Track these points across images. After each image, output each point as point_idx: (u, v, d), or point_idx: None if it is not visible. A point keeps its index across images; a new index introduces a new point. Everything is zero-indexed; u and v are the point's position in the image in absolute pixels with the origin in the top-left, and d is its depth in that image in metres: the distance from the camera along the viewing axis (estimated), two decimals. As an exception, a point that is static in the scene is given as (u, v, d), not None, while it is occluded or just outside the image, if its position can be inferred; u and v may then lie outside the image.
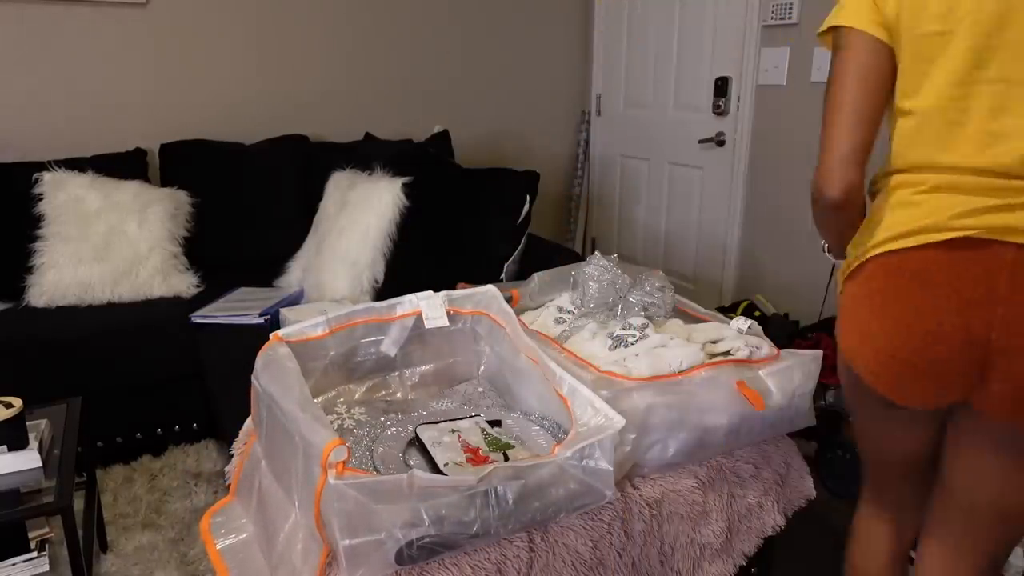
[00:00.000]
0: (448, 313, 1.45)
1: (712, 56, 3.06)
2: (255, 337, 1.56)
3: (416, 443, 1.28)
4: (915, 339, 1.08)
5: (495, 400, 1.48)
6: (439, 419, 1.35)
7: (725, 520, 1.36)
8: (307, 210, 2.80)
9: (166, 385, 2.37)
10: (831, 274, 2.70)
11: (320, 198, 2.67)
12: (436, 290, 1.46)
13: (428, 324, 1.43)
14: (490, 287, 1.50)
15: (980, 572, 1.25)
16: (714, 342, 1.44)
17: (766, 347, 1.42)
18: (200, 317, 2.36)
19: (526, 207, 2.54)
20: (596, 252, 1.61)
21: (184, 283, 2.56)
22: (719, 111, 3.04)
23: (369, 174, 2.55)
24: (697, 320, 1.59)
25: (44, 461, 1.61)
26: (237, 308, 2.39)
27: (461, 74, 3.51)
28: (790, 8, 2.68)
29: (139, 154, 2.76)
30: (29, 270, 2.41)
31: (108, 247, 2.44)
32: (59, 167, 2.52)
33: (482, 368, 1.55)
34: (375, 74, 3.31)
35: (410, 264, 2.41)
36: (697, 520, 1.32)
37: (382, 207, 2.39)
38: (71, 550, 1.53)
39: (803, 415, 1.41)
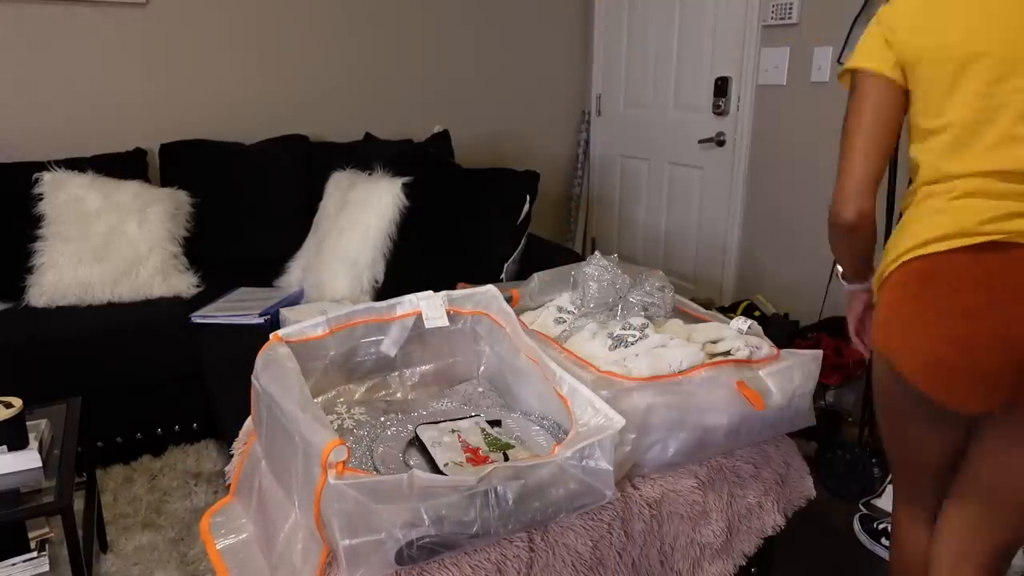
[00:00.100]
0: (448, 313, 1.45)
1: (712, 56, 3.06)
2: (255, 337, 1.56)
3: (416, 443, 1.28)
4: (955, 344, 1.11)
5: (495, 400, 1.48)
6: (439, 419, 1.35)
7: (725, 520, 1.36)
8: (307, 210, 2.80)
9: (166, 385, 2.37)
10: (831, 274, 2.70)
11: (320, 198, 2.67)
12: (436, 290, 1.46)
13: (428, 324, 1.43)
14: (490, 287, 1.50)
15: (994, 554, 1.28)
16: (714, 342, 1.44)
17: (766, 347, 1.42)
18: (200, 317, 2.36)
19: (526, 207, 2.54)
20: (596, 252, 1.61)
21: (184, 283, 2.56)
22: (719, 111, 3.04)
23: (369, 174, 2.55)
24: (697, 320, 1.59)
25: (44, 461, 1.61)
26: (237, 308, 2.39)
27: (461, 74, 3.51)
28: (790, 8, 2.68)
29: (139, 154, 2.76)
30: (29, 270, 2.41)
31: (108, 247, 2.44)
32: (59, 167, 2.51)
33: (482, 368, 1.55)
34: (375, 74, 3.31)
35: (410, 264, 2.41)
36: (697, 520, 1.32)
37: (382, 207, 2.38)
38: (71, 550, 1.53)
39: (803, 415, 1.41)
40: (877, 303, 1.24)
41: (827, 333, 2.57)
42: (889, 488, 2.18)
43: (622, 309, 1.50)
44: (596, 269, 1.54)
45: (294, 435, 1.07)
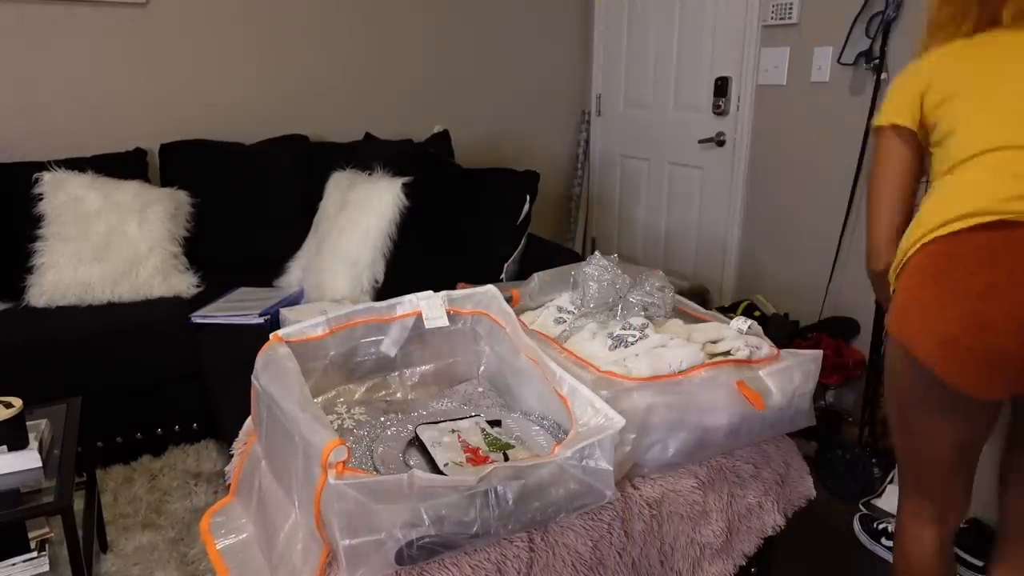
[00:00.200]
0: (448, 313, 1.45)
1: (712, 56, 3.06)
2: (255, 337, 1.56)
3: (416, 443, 1.28)
4: (971, 324, 1.12)
5: (495, 400, 1.48)
6: (439, 419, 1.35)
7: (725, 520, 1.36)
8: (307, 210, 2.80)
9: (166, 385, 2.37)
10: (831, 274, 2.70)
11: (320, 198, 2.67)
12: (436, 290, 1.46)
13: (428, 324, 1.43)
14: (490, 287, 1.50)
15: None
16: (714, 342, 1.44)
17: (766, 347, 1.42)
18: (200, 317, 2.36)
19: (526, 207, 2.54)
20: (596, 252, 1.61)
21: (184, 283, 2.56)
22: (719, 111, 3.04)
23: (369, 174, 2.55)
24: (697, 320, 1.59)
25: (44, 461, 1.61)
26: (237, 308, 2.39)
27: (461, 74, 3.51)
28: (790, 8, 2.68)
29: (139, 154, 2.76)
30: (29, 270, 2.41)
31: (108, 247, 2.44)
32: (59, 167, 2.52)
33: (482, 368, 1.55)
34: (375, 74, 3.31)
35: (410, 264, 2.41)
36: (697, 520, 1.32)
37: (382, 207, 2.39)
38: (71, 550, 1.53)
39: (803, 415, 1.41)
40: (895, 290, 1.26)
41: (827, 333, 2.57)
42: (889, 488, 2.18)
43: (622, 309, 1.51)
44: (596, 269, 1.54)
45: (294, 435, 1.07)
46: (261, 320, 2.31)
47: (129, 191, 2.53)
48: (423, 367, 1.51)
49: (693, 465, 1.34)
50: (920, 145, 1.32)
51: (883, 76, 2.41)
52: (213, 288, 2.59)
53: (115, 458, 2.36)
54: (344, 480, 0.96)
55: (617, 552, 1.23)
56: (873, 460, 2.22)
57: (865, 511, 2.14)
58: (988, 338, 1.11)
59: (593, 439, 1.10)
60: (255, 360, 1.25)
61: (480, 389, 1.51)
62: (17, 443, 1.58)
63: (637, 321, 1.44)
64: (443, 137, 3.08)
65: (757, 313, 2.81)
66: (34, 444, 1.61)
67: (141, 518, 2.09)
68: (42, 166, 2.51)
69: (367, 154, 2.70)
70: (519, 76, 3.66)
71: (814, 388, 1.40)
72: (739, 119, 2.98)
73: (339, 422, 1.35)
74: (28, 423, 1.69)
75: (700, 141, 3.15)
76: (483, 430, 1.30)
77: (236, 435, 1.50)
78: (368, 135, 3.09)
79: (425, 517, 0.99)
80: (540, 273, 1.64)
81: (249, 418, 1.48)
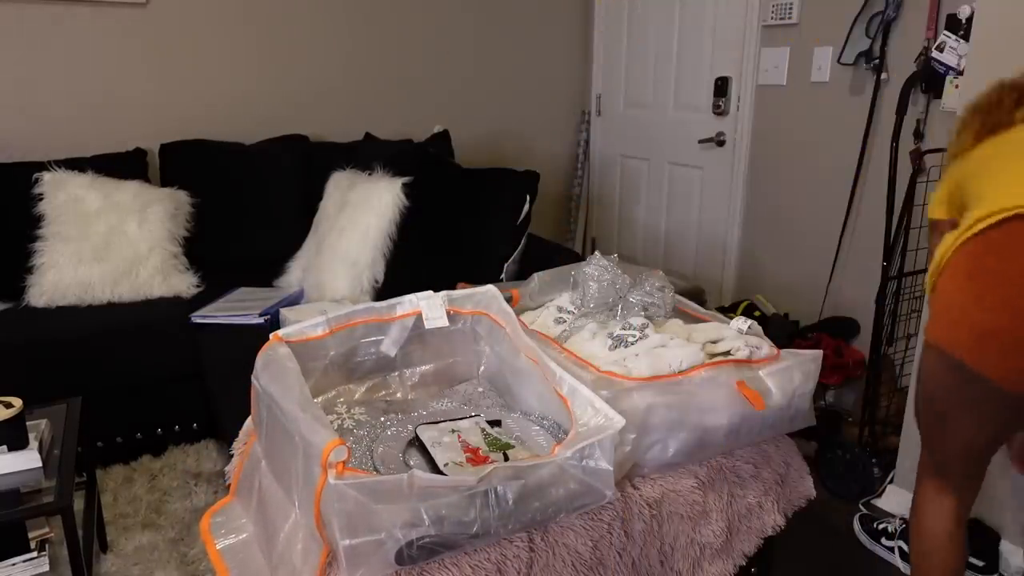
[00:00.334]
0: (448, 313, 1.45)
1: (712, 56, 3.06)
2: (255, 337, 1.56)
3: (416, 443, 1.28)
4: (1007, 312, 1.15)
5: (495, 400, 1.48)
6: (439, 419, 1.35)
7: (725, 520, 1.36)
8: (307, 210, 2.80)
9: (166, 385, 2.37)
10: (831, 274, 2.70)
11: (320, 198, 2.67)
12: (436, 290, 1.46)
13: (428, 324, 1.43)
14: (490, 287, 1.50)
15: None
16: (714, 342, 1.44)
17: (766, 347, 1.42)
18: (200, 317, 2.36)
19: (526, 207, 2.54)
20: (596, 252, 1.61)
21: (184, 283, 2.56)
22: (719, 111, 3.04)
23: (369, 174, 2.55)
24: (697, 320, 1.59)
25: (44, 461, 1.61)
26: (237, 308, 2.39)
27: (461, 74, 3.51)
28: (790, 8, 2.68)
29: (139, 154, 2.76)
30: (29, 270, 2.41)
31: (108, 247, 2.44)
32: (59, 167, 2.52)
33: (482, 368, 1.55)
34: (375, 74, 3.31)
35: (410, 264, 2.41)
36: (697, 520, 1.32)
37: (382, 207, 2.38)
38: (71, 550, 1.53)
39: (803, 415, 1.41)
40: (932, 296, 1.28)
41: (827, 333, 2.57)
42: (889, 488, 2.18)
43: (622, 309, 1.50)
44: (596, 269, 1.54)
45: (294, 435, 1.07)
46: (261, 320, 2.31)
47: (129, 191, 2.53)
48: (423, 367, 1.51)
49: (693, 465, 1.34)
50: None
51: (883, 76, 2.42)
52: (213, 288, 2.59)
53: (115, 458, 2.36)
54: (344, 480, 0.96)
55: (617, 552, 1.23)
56: (873, 460, 2.22)
57: (865, 511, 2.14)
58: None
59: (593, 439, 1.10)
60: (255, 360, 1.25)
61: (480, 389, 1.51)
62: (17, 443, 1.58)
63: (637, 321, 1.44)
64: (443, 137, 3.08)
65: (757, 313, 2.81)
66: (34, 444, 1.61)
67: (141, 518, 2.09)
68: (42, 166, 2.51)
69: (367, 154, 2.70)
70: (519, 76, 3.66)
71: (814, 388, 1.40)
72: (739, 119, 2.98)
73: (339, 422, 1.35)
74: (28, 423, 1.69)
75: (700, 141, 3.15)
76: (483, 430, 1.30)
77: (236, 435, 1.50)
78: (368, 135, 3.09)
79: (425, 517, 0.99)
80: (540, 273, 1.64)
81: (249, 418, 1.48)
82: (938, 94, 2.25)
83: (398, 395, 1.48)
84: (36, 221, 2.43)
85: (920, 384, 1.38)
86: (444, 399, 1.47)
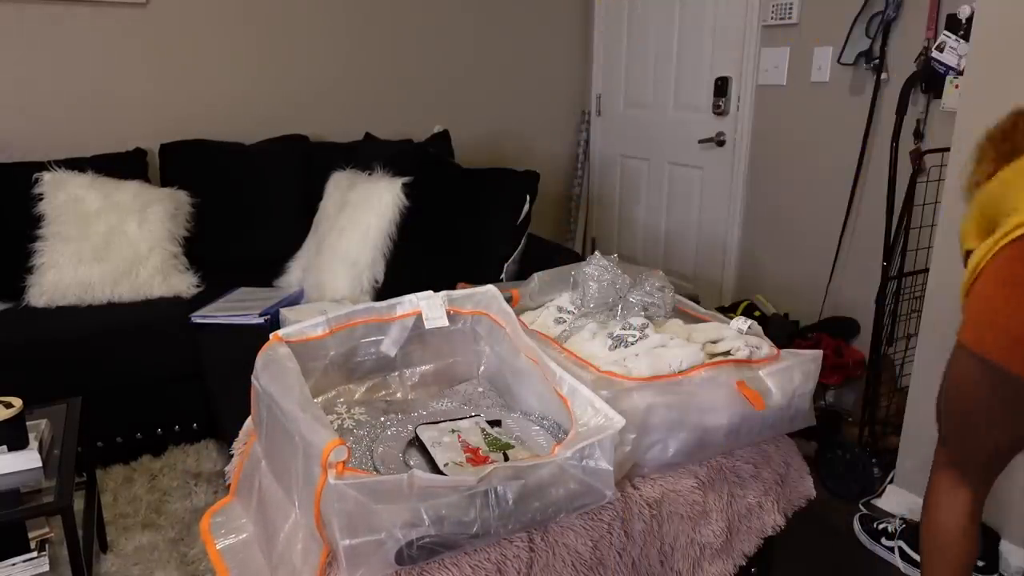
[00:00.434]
0: (448, 313, 1.45)
1: (712, 56, 3.06)
2: (255, 337, 1.56)
3: (416, 443, 1.28)
4: None
5: (495, 400, 1.48)
6: (439, 419, 1.35)
7: (725, 520, 1.36)
8: (307, 210, 2.80)
9: (166, 385, 2.37)
10: (831, 274, 2.70)
11: (320, 198, 2.67)
12: (436, 290, 1.46)
13: (428, 324, 1.43)
14: (490, 287, 1.50)
15: None
16: (714, 342, 1.44)
17: (766, 347, 1.42)
18: (200, 317, 2.36)
19: (526, 207, 2.54)
20: (596, 252, 1.61)
21: (184, 283, 2.56)
22: (719, 111, 3.04)
23: (369, 174, 2.55)
24: (697, 320, 1.59)
25: (44, 461, 1.61)
26: (237, 308, 2.39)
27: (461, 74, 3.51)
28: (790, 8, 2.68)
29: (139, 154, 2.76)
30: (29, 270, 2.41)
31: (108, 247, 2.44)
32: (59, 167, 2.52)
33: (482, 368, 1.55)
34: (375, 74, 3.31)
35: (410, 264, 2.41)
36: (697, 520, 1.32)
37: (382, 207, 2.38)
38: (71, 550, 1.53)
39: (803, 415, 1.41)
40: (967, 301, 1.28)
41: (827, 333, 2.57)
42: (889, 488, 2.18)
43: (622, 309, 1.50)
44: (596, 269, 1.54)
45: (294, 435, 1.07)
46: (261, 320, 2.31)
47: (129, 191, 2.53)
48: (423, 367, 1.51)
49: (693, 465, 1.34)
50: None
51: (883, 76, 2.42)
52: (213, 288, 2.59)
53: (115, 458, 2.36)
54: (344, 480, 0.96)
55: (617, 552, 1.23)
56: (873, 460, 2.22)
57: (865, 511, 2.14)
58: None
59: (593, 439, 1.10)
60: (255, 360, 1.25)
61: (480, 389, 1.51)
62: (17, 443, 1.58)
63: (637, 321, 1.44)
64: (443, 137, 3.08)
65: (757, 313, 2.81)
66: (34, 444, 1.61)
67: (141, 518, 2.09)
68: (42, 166, 2.51)
69: (367, 154, 2.70)
70: (519, 76, 3.66)
71: (814, 388, 1.40)
72: (739, 119, 2.98)
73: (339, 422, 1.35)
74: (28, 423, 1.69)
75: (700, 141, 3.15)
76: (483, 430, 1.30)
77: (236, 435, 1.50)
78: (368, 135, 3.09)
79: (425, 517, 0.99)
80: (540, 273, 1.64)
81: (249, 418, 1.48)
82: (938, 94, 2.25)
83: (398, 395, 1.48)
84: (36, 221, 2.43)
85: (948, 384, 1.37)
86: (444, 399, 1.47)
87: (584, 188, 3.92)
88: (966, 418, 1.35)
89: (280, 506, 1.18)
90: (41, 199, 2.45)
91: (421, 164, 2.52)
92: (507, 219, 2.53)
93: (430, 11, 3.35)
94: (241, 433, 1.49)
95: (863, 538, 2.05)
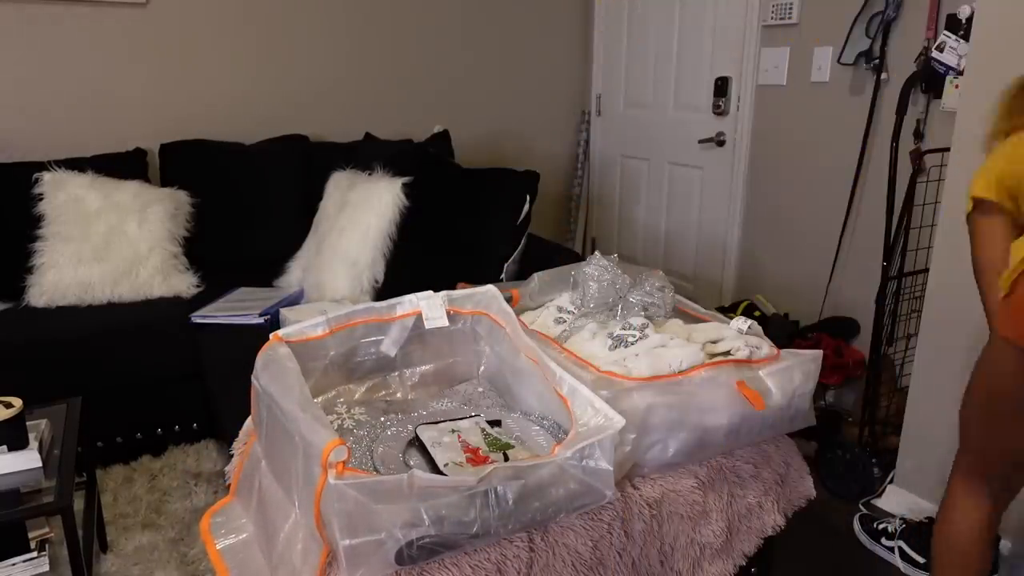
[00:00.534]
0: (448, 313, 1.45)
1: (712, 56, 3.06)
2: (255, 337, 1.56)
3: (416, 443, 1.28)
4: None
5: (495, 400, 1.48)
6: (439, 419, 1.35)
7: (725, 520, 1.36)
8: (307, 210, 2.80)
9: (166, 385, 2.37)
10: (831, 274, 2.70)
11: (320, 198, 2.67)
12: (436, 290, 1.46)
13: (428, 324, 1.43)
14: (490, 287, 1.50)
15: None
16: (714, 342, 1.44)
17: (766, 347, 1.42)
18: (200, 317, 2.36)
19: (526, 207, 2.54)
20: (596, 252, 1.61)
21: (184, 283, 2.56)
22: (719, 111, 3.04)
23: (369, 174, 2.55)
24: (697, 320, 1.59)
25: (44, 461, 1.61)
26: (237, 308, 2.39)
27: (461, 74, 3.51)
28: (790, 8, 2.68)
29: (139, 154, 2.76)
30: (29, 270, 2.41)
31: (108, 247, 2.44)
32: (59, 167, 2.52)
33: (482, 368, 1.55)
34: (375, 74, 3.31)
35: (410, 264, 2.41)
36: (697, 520, 1.32)
37: (382, 207, 2.38)
38: (71, 550, 1.53)
39: (803, 415, 1.41)
40: (1011, 297, 1.26)
41: (827, 333, 2.57)
42: (889, 488, 2.18)
43: (622, 309, 1.50)
44: (596, 269, 1.54)
45: (294, 435, 1.07)
46: (261, 320, 2.31)
47: (129, 191, 2.53)
48: (423, 367, 1.51)
49: (693, 465, 1.34)
50: (1011, 216, 1.34)
51: (883, 76, 2.42)
52: (213, 288, 2.59)
53: (115, 458, 2.36)
54: (344, 480, 0.96)
55: (617, 552, 1.23)
56: (873, 460, 2.22)
57: (865, 511, 2.14)
58: None
59: (593, 439, 1.10)
60: (255, 360, 1.25)
61: (480, 389, 1.51)
62: (17, 443, 1.58)
63: (637, 321, 1.44)
64: (443, 137, 3.08)
65: (757, 313, 2.81)
66: (34, 444, 1.61)
67: (141, 518, 2.09)
68: (42, 166, 2.51)
69: (367, 154, 2.70)
70: (519, 76, 3.66)
71: (814, 388, 1.40)
72: (739, 119, 2.98)
73: (339, 422, 1.35)
74: (28, 423, 1.69)
75: (700, 141, 3.15)
76: (483, 430, 1.30)
77: (236, 435, 1.50)
78: (368, 135, 3.09)
79: (425, 517, 0.99)
80: (540, 273, 1.64)
81: (249, 418, 1.48)
82: (938, 94, 2.25)
83: (398, 395, 1.48)
84: (36, 221, 2.43)
85: (978, 383, 1.36)
86: (444, 399, 1.47)
87: (584, 188, 3.92)
88: (998, 416, 1.33)
89: (280, 506, 1.18)
90: (41, 199, 2.45)
91: (421, 164, 2.52)
92: (507, 219, 2.54)
93: (430, 11, 3.35)
94: (241, 433, 1.49)
95: (863, 538, 2.05)
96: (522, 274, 2.51)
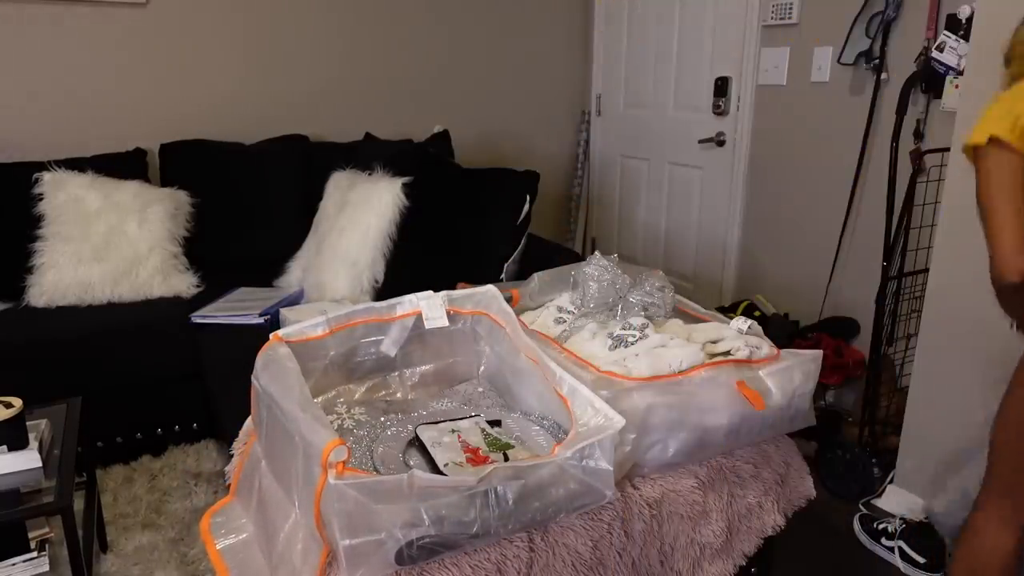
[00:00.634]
0: (448, 313, 1.45)
1: (712, 56, 3.06)
2: (255, 337, 1.56)
3: (416, 443, 1.28)
4: None
5: (495, 400, 1.48)
6: (439, 419, 1.35)
7: (725, 520, 1.36)
8: (307, 210, 2.80)
9: (166, 385, 2.37)
10: (831, 274, 2.70)
11: (320, 198, 2.67)
12: (436, 290, 1.46)
13: (428, 324, 1.43)
14: (490, 287, 1.50)
15: None
16: (714, 342, 1.44)
17: (766, 347, 1.42)
18: (200, 317, 2.37)
19: (526, 207, 2.54)
20: (596, 252, 1.61)
21: (184, 283, 2.56)
22: (719, 111, 3.04)
23: (369, 174, 2.55)
24: (697, 320, 1.59)
25: (44, 461, 1.61)
26: (237, 308, 2.39)
27: (461, 74, 3.51)
28: (790, 8, 2.68)
29: (139, 154, 2.76)
30: (29, 270, 2.41)
31: (108, 247, 2.44)
32: (59, 167, 2.52)
33: (482, 368, 1.55)
34: (375, 74, 3.31)
35: (410, 264, 2.41)
36: (697, 520, 1.32)
37: (382, 207, 2.39)
38: (71, 550, 1.53)
39: (803, 415, 1.41)
40: None
41: (827, 333, 2.57)
42: (889, 488, 2.18)
43: (622, 309, 1.50)
44: (596, 269, 1.54)
45: (294, 435, 1.07)
46: (261, 320, 2.31)
47: (129, 191, 2.53)
48: (423, 367, 1.51)
49: (693, 465, 1.34)
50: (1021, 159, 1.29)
51: (883, 76, 2.41)
52: (213, 288, 2.59)
53: (115, 458, 2.36)
54: (344, 480, 0.96)
55: (617, 552, 1.23)
56: (873, 460, 2.22)
57: (865, 511, 2.14)
58: None
59: (593, 439, 1.10)
60: (255, 360, 1.25)
61: (480, 389, 1.51)
62: (17, 443, 1.58)
63: (637, 321, 1.44)
64: (443, 137, 3.08)
65: (757, 313, 2.81)
66: (34, 444, 1.61)
67: (141, 518, 2.09)
68: (42, 166, 2.51)
69: (367, 154, 2.70)
70: (519, 76, 3.66)
71: (814, 388, 1.40)
72: (739, 119, 2.98)
73: (339, 422, 1.35)
74: (28, 423, 1.69)
75: (700, 141, 3.15)
76: (483, 430, 1.30)
77: (236, 435, 1.50)
78: (368, 135, 3.09)
79: (425, 517, 0.99)
80: (540, 273, 1.64)
81: (249, 418, 1.48)
82: (938, 94, 2.25)
83: (398, 395, 1.48)
84: (36, 221, 2.43)
85: (1019, 405, 1.31)
86: (444, 399, 1.47)
87: (584, 188, 3.92)
88: None
89: (280, 506, 1.18)
90: (41, 199, 2.45)
91: (421, 164, 2.53)
92: (507, 219, 2.54)
93: (430, 11, 3.35)
94: (241, 433, 1.49)
95: (863, 538, 2.05)
96: (522, 274, 2.51)
